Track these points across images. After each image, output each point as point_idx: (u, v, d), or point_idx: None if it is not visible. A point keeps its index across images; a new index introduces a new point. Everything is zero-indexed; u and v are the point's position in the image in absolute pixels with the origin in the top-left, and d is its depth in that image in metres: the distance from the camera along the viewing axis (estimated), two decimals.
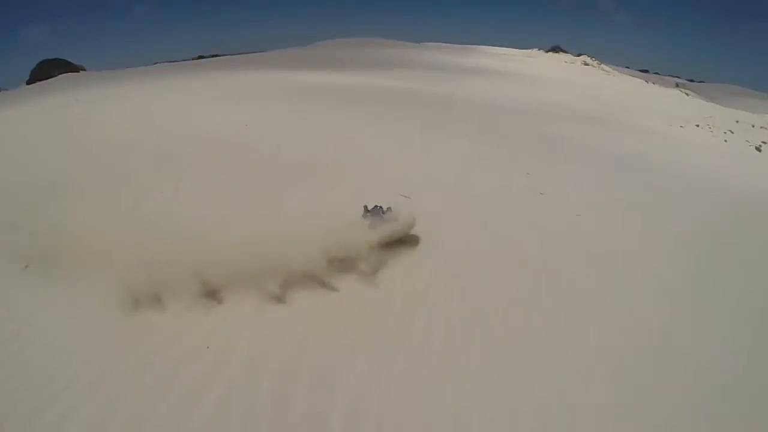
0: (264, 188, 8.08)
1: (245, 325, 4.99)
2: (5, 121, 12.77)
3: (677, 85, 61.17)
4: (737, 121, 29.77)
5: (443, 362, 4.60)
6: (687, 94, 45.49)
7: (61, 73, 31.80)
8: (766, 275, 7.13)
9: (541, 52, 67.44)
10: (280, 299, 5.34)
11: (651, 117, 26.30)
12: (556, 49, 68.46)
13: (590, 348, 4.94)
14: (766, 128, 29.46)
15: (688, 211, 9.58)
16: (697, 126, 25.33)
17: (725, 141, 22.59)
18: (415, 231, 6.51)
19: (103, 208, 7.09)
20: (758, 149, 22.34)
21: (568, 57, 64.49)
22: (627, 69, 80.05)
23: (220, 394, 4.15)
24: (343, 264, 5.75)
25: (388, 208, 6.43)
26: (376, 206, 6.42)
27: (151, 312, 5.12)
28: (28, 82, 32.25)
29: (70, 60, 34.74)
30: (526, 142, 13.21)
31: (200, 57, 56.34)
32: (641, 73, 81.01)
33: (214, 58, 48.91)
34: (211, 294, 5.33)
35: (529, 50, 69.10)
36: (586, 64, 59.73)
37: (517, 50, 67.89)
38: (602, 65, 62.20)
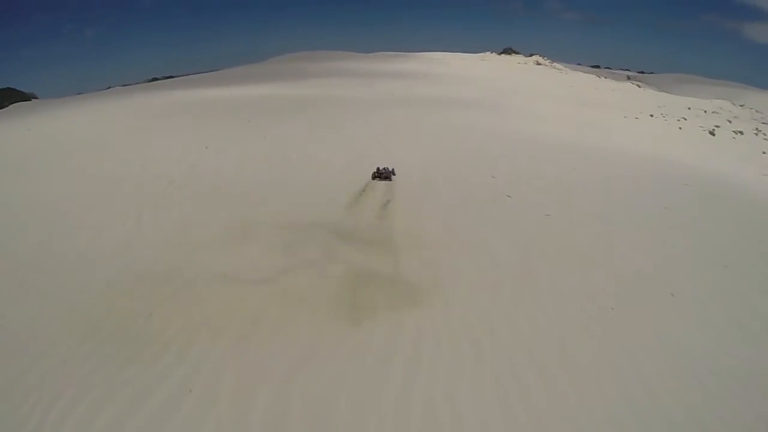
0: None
1: None
2: None
3: (629, 78, 62.58)
4: (689, 108, 30.46)
5: None
6: (639, 86, 46.40)
7: (12, 103, 31.17)
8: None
9: (494, 55, 68.22)
10: None
11: (607, 107, 26.83)
12: (508, 51, 69.42)
13: None
14: (717, 113, 30.22)
15: (651, 195, 9.76)
16: (652, 116, 25.78)
17: (680, 128, 23.00)
18: None
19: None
20: (712, 133, 22.85)
21: (520, 58, 65.34)
22: (579, 66, 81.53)
23: None
24: None
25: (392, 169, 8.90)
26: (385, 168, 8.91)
27: None
28: None
29: (20, 89, 33.91)
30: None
31: (154, 79, 55.84)
32: (593, 69, 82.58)
33: (168, 80, 48.54)
34: None
35: (483, 53, 69.87)
36: (539, 64, 60.51)
37: (472, 54, 68.61)
38: (554, 64, 63.12)
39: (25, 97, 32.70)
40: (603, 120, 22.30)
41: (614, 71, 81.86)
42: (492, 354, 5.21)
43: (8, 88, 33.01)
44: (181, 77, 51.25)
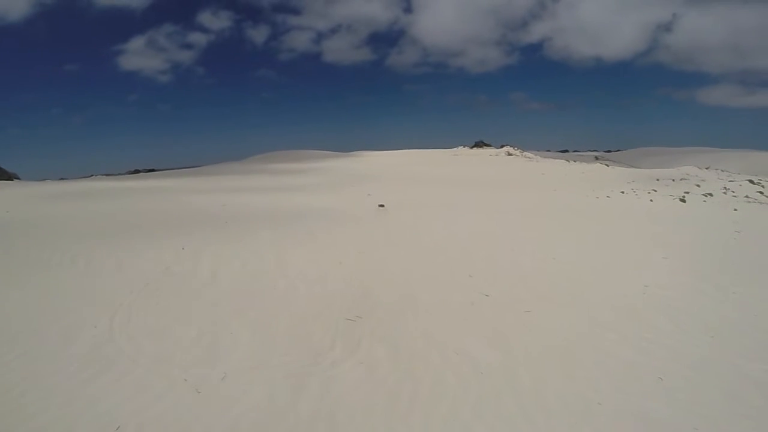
0: None
1: None
2: None
3: (597, 158, 64.65)
4: (658, 179, 31.37)
5: None
6: (607, 165, 47.79)
7: None
8: None
9: (467, 149, 70.34)
10: None
11: (579, 190, 27.46)
12: (479, 144, 71.74)
13: None
14: (685, 179, 31.10)
15: (630, 274, 9.85)
16: (623, 192, 26.42)
17: (651, 201, 23.54)
18: None
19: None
20: (682, 200, 23.40)
21: (492, 150, 67.35)
22: (548, 152, 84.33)
23: None
24: None
25: None
26: None
27: None
28: None
29: (2, 166, 34.08)
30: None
31: (136, 171, 57.10)
32: (562, 154, 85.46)
33: (149, 172, 49.78)
34: None
35: (455, 148, 72.14)
36: (510, 154, 62.37)
37: (446, 149, 70.81)
38: (525, 153, 65.07)
39: (6, 176, 32.91)
40: (575, 203, 22.79)
41: (582, 153, 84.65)
42: None
43: None
44: (162, 170, 52.80)
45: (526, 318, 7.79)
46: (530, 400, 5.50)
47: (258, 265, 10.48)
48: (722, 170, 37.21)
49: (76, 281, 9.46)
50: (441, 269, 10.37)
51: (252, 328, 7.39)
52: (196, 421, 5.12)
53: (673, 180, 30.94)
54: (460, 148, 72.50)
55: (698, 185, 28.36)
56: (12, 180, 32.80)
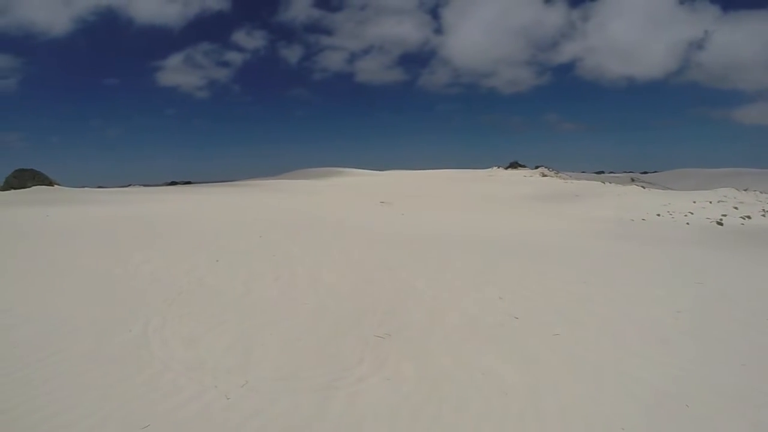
0: None
1: None
2: None
3: (633, 180, 63.65)
4: (694, 202, 30.83)
5: None
6: (643, 187, 47.10)
7: (35, 185, 32.44)
8: None
9: (501, 170, 70.18)
10: None
11: (614, 212, 27.18)
12: (514, 165, 71.58)
13: None
14: (723, 201, 30.51)
15: (661, 300, 9.73)
16: (658, 215, 26.07)
17: (687, 224, 23.17)
18: None
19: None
20: (719, 223, 22.98)
21: (526, 171, 67.06)
22: (583, 173, 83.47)
23: None
24: None
25: None
26: None
27: None
28: (2, 188, 32.64)
29: (44, 172, 35.08)
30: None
31: (173, 182, 58.09)
32: (597, 175, 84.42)
33: (186, 185, 50.72)
34: None
35: (490, 169, 72.00)
36: (544, 175, 61.97)
37: (480, 170, 70.71)
38: (559, 174, 64.62)
39: (47, 182, 33.83)
40: (609, 225, 22.55)
41: (618, 175, 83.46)
42: None
43: (32, 169, 34.25)
44: (199, 183, 53.77)
45: (554, 341, 7.77)
46: (554, 424, 5.50)
47: (290, 279, 10.66)
48: (761, 192, 36.37)
49: (113, 287, 9.73)
50: (471, 289, 10.40)
51: (282, 340, 7.53)
52: (224, 427, 5.25)
53: (710, 202, 30.40)
54: (494, 168, 72.42)
55: (736, 207, 27.83)
56: (52, 186, 33.69)
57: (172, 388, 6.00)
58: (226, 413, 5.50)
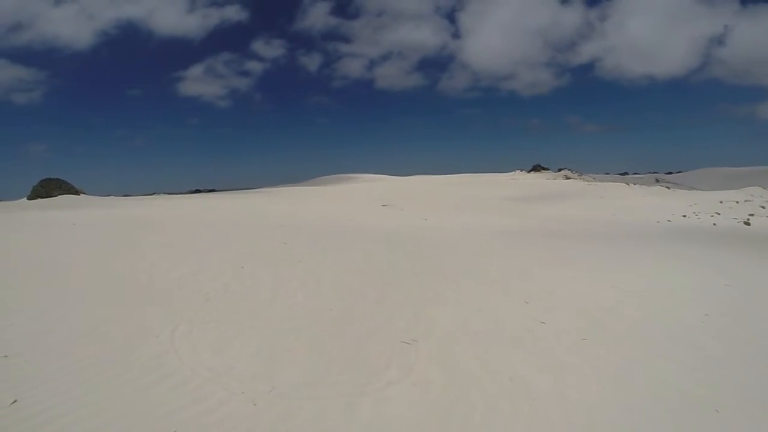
0: None
1: None
2: None
3: (657, 181, 62.93)
4: (721, 202, 30.38)
5: None
6: (668, 188, 46.56)
7: (61, 194, 33.16)
8: None
9: (524, 173, 69.85)
10: None
11: (640, 213, 26.86)
12: (537, 168, 71.16)
13: None
14: (749, 200, 30.02)
15: (690, 302, 9.59)
16: (684, 216, 25.72)
17: (714, 225, 22.83)
18: None
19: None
20: (747, 223, 22.61)
21: (549, 173, 66.63)
22: (607, 175, 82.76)
23: None
24: None
25: None
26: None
27: None
28: (29, 197, 33.20)
29: (69, 181, 35.88)
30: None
31: (197, 190, 58.65)
32: (621, 176, 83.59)
33: (210, 193, 51.20)
34: None
35: (512, 172, 71.71)
36: (568, 177, 61.54)
37: (500, 174, 70.48)
38: (583, 176, 64.11)
39: (73, 191, 34.45)
40: (635, 228, 22.31)
41: (642, 176, 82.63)
42: None
43: (58, 179, 35.01)
44: (222, 191, 54.27)
45: (582, 346, 7.68)
46: (582, 430, 5.44)
47: (315, 285, 10.68)
48: None
49: (139, 293, 9.83)
50: (498, 294, 10.33)
51: (308, 346, 7.53)
52: None
53: (737, 202, 29.91)
54: (517, 172, 72.08)
55: (763, 207, 27.36)
56: (78, 194, 34.27)
57: (199, 393, 6.03)
58: (252, 419, 5.51)
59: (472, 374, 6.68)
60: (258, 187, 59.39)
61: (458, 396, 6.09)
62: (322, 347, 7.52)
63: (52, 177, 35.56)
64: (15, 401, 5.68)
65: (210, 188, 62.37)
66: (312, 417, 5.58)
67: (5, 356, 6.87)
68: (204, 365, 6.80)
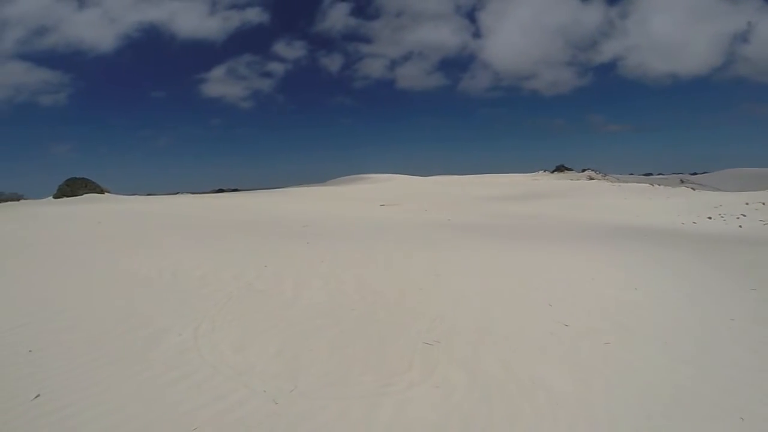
0: None
1: None
2: None
3: (682, 182, 62.03)
4: (747, 203, 29.84)
5: None
6: (693, 189, 45.91)
7: (86, 193, 33.75)
8: None
9: (547, 173, 69.39)
10: None
11: (663, 215, 26.53)
12: (560, 168, 70.68)
13: None
14: None
15: (713, 305, 9.42)
16: (709, 218, 25.33)
17: (740, 227, 22.45)
18: None
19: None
20: None
21: (573, 174, 66.14)
22: (631, 175, 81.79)
23: None
24: None
25: None
26: None
27: None
28: (55, 196, 33.73)
29: (94, 180, 36.40)
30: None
31: (220, 190, 59.18)
32: (645, 177, 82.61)
33: (233, 192, 51.67)
34: None
35: (535, 173, 71.28)
36: (591, 178, 61.04)
37: (525, 174, 70.12)
38: (607, 176, 63.53)
39: (98, 189, 35.06)
40: (659, 230, 22.03)
41: (666, 176, 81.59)
42: None
43: (84, 178, 35.63)
44: (246, 191, 54.69)
45: (605, 349, 7.58)
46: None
47: (337, 285, 10.69)
48: None
49: (162, 291, 9.93)
50: (520, 296, 10.25)
51: (330, 346, 7.53)
52: (272, 431, 5.28)
53: (764, 203, 29.30)
54: (540, 172, 71.60)
55: None
56: (103, 193, 34.80)
57: (220, 391, 6.07)
58: (273, 418, 5.52)
59: (495, 377, 6.63)
60: (281, 187, 59.70)
61: (480, 399, 6.04)
62: (344, 347, 7.52)
63: (77, 176, 36.21)
64: (38, 396, 5.79)
65: (233, 188, 62.79)
66: (333, 417, 5.59)
67: (29, 351, 6.99)
68: (226, 363, 6.85)
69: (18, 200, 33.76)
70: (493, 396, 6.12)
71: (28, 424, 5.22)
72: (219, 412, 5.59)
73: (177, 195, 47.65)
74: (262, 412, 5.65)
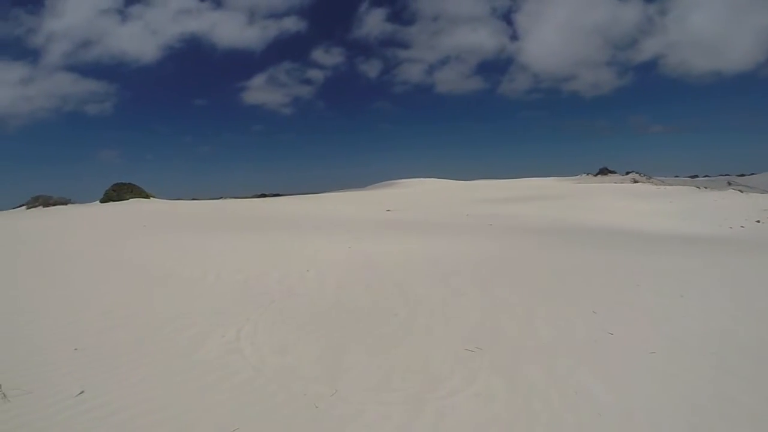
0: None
1: None
2: None
3: (729, 184, 60.07)
4: None
5: None
6: (741, 191, 44.57)
7: (132, 197, 34.85)
8: None
9: (590, 176, 68.28)
10: None
11: (710, 219, 25.91)
12: (604, 171, 69.35)
13: None
14: None
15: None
16: (758, 221, 24.58)
17: None
18: None
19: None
20: None
21: (617, 177, 64.91)
22: (677, 177, 79.79)
23: None
24: None
25: None
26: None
27: None
28: (102, 201, 34.92)
29: (140, 186, 37.83)
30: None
31: (263, 195, 59.85)
32: (691, 179, 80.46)
33: (275, 197, 52.26)
34: None
35: (578, 176, 70.19)
36: (636, 182, 59.80)
37: (567, 178, 69.14)
38: (652, 179, 62.16)
39: (144, 194, 36.35)
40: (705, 235, 21.49)
41: (713, 178, 79.21)
42: None
43: (130, 183, 36.95)
44: (288, 195, 55.18)
45: (649, 359, 7.40)
46: None
47: (379, 290, 10.74)
48: None
49: (206, 293, 10.12)
50: (564, 303, 10.09)
51: (372, 351, 7.57)
52: None
53: None
54: (583, 175, 70.44)
55: None
56: (149, 198, 35.72)
57: (261, 393, 6.17)
58: (314, 422, 5.58)
59: (536, 385, 6.55)
60: (322, 191, 60.10)
61: (521, 408, 5.97)
62: (385, 352, 7.55)
63: (123, 182, 37.31)
64: (82, 392, 5.98)
65: (275, 192, 63.37)
66: (373, 422, 5.61)
67: (75, 349, 7.21)
68: (267, 366, 6.94)
69: (66, 204, 34.77)
70: (534, 404, 6.05)
71: (72, 419, 5.40)
72: (259, 414, 5.68)
73: (220, 200, 48.45)
74: (302, 415, 5.71)
